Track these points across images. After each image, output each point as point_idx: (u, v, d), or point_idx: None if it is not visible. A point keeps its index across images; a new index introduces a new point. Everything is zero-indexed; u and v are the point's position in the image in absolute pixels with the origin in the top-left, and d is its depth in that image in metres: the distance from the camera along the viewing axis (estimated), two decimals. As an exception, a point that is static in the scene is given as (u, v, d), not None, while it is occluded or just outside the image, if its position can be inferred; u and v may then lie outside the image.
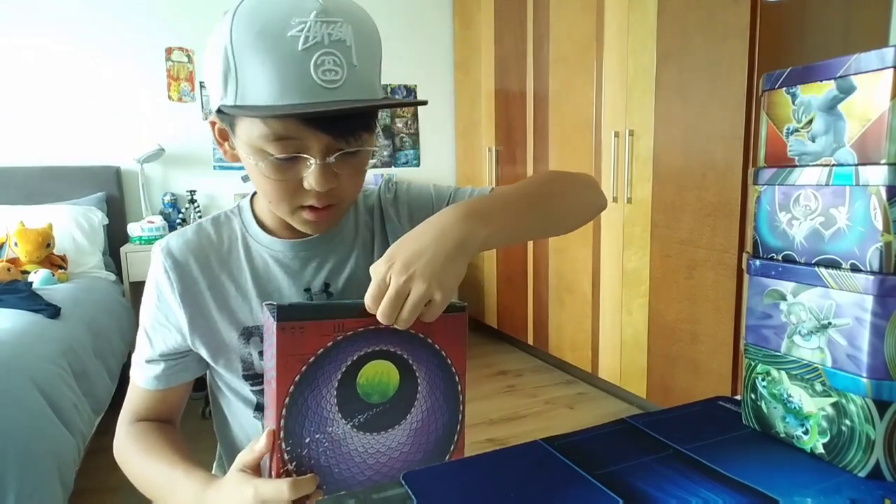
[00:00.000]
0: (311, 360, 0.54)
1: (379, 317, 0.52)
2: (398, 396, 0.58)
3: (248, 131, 0.61)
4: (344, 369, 0.55)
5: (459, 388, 0.61)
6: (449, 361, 0.60)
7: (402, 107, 0.67)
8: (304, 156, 0.61)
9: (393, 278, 0.52)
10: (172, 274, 0.71)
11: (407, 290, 0.52)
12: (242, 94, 0.58)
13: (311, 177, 0.61)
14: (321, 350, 0.54)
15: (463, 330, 0.60)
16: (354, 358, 0.55)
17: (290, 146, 0.60)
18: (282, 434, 0.54)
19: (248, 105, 0.58)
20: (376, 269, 0.53)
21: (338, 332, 0.54)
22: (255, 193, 0.77)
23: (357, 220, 0.80)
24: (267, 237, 0.75)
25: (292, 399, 0.54)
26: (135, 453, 0.72)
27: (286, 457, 0.55)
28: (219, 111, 0.63)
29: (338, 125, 0.60)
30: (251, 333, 0.73)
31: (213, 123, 0.68)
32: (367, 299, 0.53)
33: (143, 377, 0.75)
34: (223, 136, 0.68)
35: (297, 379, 0.53)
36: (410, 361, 0.58)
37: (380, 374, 0.57)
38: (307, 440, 0.55)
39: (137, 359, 0.76)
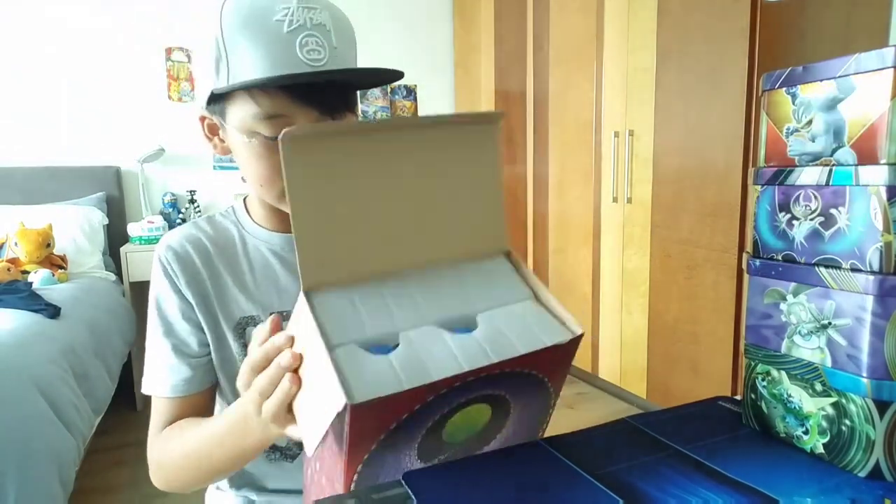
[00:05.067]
0: (393, 425, 0.42)
1: None
2: (485, 429, 0.51)
3: (241, 112, 0.64)
4: (430, 424, 0.45)
5: (552, 403, 0.54)
6: (550, 386, 0.51)
7: (382, 81, 0.71)
8: None
9: None
10: (175, 265, 0.71)
11: None
12: (234, 75, 0.62)
13: None
14: (406, 415, 0.42)
15: (573, 355, 0.50)
16: (445, 411, 0.44)
17: (280, 124, 0.62)
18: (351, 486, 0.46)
19: (241, 82, 0.61)
20: None
21: (431, 393, 0.41)
22: (246, 197, 0.79)
23: None
24: (264, 232, 0.77)
25: (365, 464, 0.45)
26: (170, 440, 0.69)
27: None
28: (209, 102, 0.67)
29: (323, 100, 0.64)
30: (245, 324, 0.73)
31: (202, 119, 0.71)
32: None
33: (166, 386, 0.71)
34: (213, 131, 0.72)
35: (373, 448, 0.44)
36: (508, 397, 0.48)
37: (471, 417, 0.47)
38: (379, 479, 0.48)
39: (157, 368, 0.72)
